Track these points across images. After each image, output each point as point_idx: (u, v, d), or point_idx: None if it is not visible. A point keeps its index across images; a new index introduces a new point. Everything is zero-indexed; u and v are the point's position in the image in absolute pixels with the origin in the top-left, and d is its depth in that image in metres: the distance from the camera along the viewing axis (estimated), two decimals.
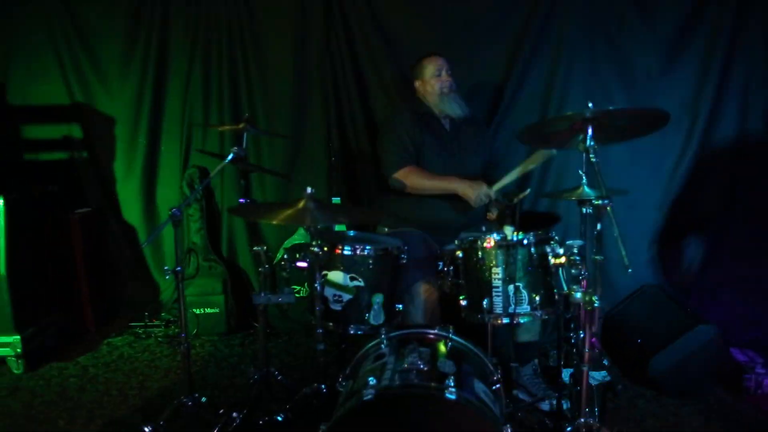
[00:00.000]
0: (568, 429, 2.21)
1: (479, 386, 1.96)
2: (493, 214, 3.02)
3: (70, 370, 3.31)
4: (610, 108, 2.03)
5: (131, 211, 3.96)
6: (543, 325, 2.87)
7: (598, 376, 3.06)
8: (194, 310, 3.72)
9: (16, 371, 3.21)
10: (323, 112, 3.74)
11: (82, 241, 3.70)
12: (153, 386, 3.12)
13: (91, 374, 3.26)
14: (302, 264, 2.42)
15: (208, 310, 3.73)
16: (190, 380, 2.34)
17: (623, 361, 3.26)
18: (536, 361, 2.89)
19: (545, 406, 2.70)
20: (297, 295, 3.57)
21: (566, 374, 2.63)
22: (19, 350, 3.16)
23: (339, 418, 1.82)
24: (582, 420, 2.15)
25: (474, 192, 2.75)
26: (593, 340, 2.82)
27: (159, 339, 3.70)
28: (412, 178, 2.87)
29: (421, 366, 1.91)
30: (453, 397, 1.76)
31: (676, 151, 3.56)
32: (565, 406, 2.53)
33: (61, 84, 3.78)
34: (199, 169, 3.83)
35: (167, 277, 2.72)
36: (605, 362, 3.13)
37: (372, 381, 1.86)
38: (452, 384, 1.80)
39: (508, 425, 1.84)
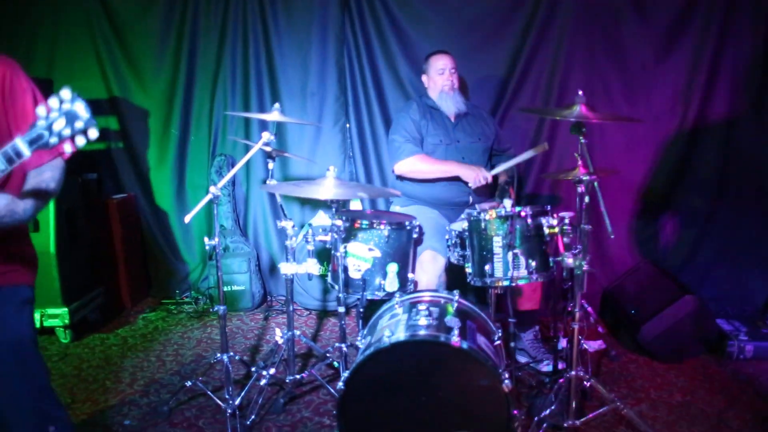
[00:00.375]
0: (560, 380, 2.49)
1: (481, 339, 2.24)
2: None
3: (111, 340, 3.63)
4: (592, 121, 2.26)
5: (163, 196, 4.27)
6: (543, 295, 3.14)
7: (594, 345, 3.35)
8: (222, 287, 4.03)
9: (63, 340, 3.53)
10: (341, 104, 4.02)
11: (120, 225, 4.01)
12: (187, 353, 3.44)
13: (131, 344, 3.58)
14: (325, 237, 2.71)
15: (235, 287, 4.03)
16: (225, 339, 2.64)
17: (618, 331, 3.53)
18: (537, 327, 3.16)
19: (543, 367, 2.98)
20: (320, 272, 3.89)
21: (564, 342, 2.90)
22: (66, 321, 3.46)
23: (358, 364, 2.11)
24: (573, 372, 2.43)
25: (472, 174, 3.02)
26: (589, 309, 3.12)
27: (189, 314, 4.02)
28: (417, 165, 3.16)
29: (431, 321, 2.20)
30: (457, 344, 2.05)
31: (670, 137, 3.82)
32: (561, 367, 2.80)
33: (99, 80, 4.09)
34: (226, 157, 4.13)
35: (207, 247, 3.01)
36: (600, 330, 3.43)
37: (387, 333, 2.16)
38: (457, 334, 2.09)
39: (506, 373, 2.12)
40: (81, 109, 1.37)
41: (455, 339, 2.06)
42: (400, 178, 3.28)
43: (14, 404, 1.80)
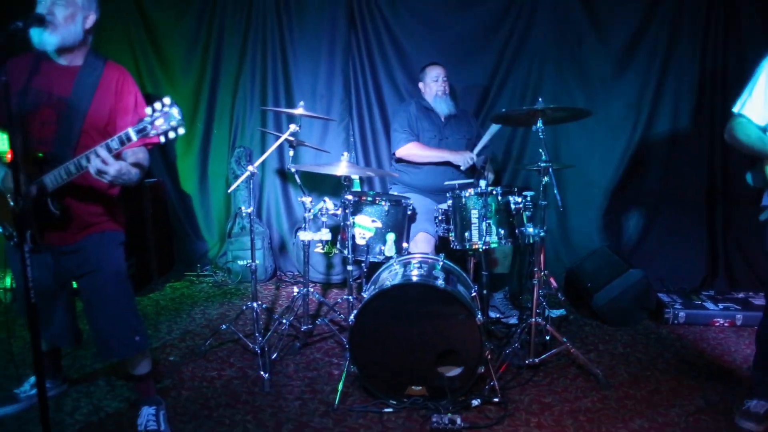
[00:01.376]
0: (523, 325, 3.14)
1: (461, 288, 2.88)
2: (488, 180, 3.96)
3: (145, 302, 4.23)
4: (551, 106, 2.92)
5: (188, 182, 4.88)
6: (512, 262, 3.79)
7: (556, 313, 4.01)
8: (239, 262, 4.65)
9: None
10: (345, 106, 4.65)
11: (151, 205, 4.60)
12: (212, 313, 4.04)
13: (162, 305, 4.18)
14: (337, 211, 3.35)
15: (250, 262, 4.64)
16: (255, 289, 3.27)
17: (578, 303, 4.19)
18: (506, 288, 3.82)
19: (511, 320, 3.63)
20: (324, 250, 4.51)
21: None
22: None
23: (365, 302, 2.75)
24: (532, 319, 3.08)
25: (461, 158, 3.70)
26: (551, 280, 3.79)
27: (210, 284, 4.63)
28: (413, 150, 3.81)
29: (422, 272, 2.85)
30: (441, 286, 2.69)
31: (625, 140, 4.50)
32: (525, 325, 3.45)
33: (135, 78, 4.67)
34: (244, 149, 4.75)
35: (244, 213, 3.67)
36: (562, 298, 4.09)
37: (388, 280, 2.80)
38: (442, 280, 2.73)
39: (479, 312, 2.77)
40: (175, 112, 2.01)
41: (440, 283, 2.71)
42: (399, 161, 3.93)
43: (114, 318, 2.42)
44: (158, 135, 2.03)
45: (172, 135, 2.03)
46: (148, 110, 2.01)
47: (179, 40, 4.67)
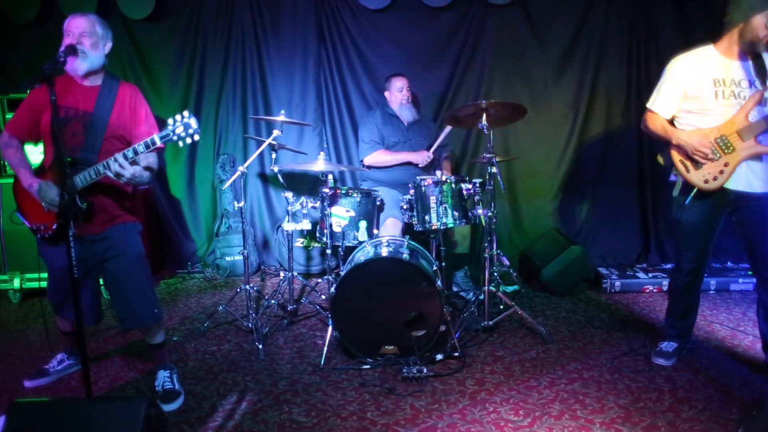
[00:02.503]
0: (478, 293, 3.70)
1: (423, 261, 3.42)
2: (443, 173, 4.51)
3: None
4: (492, 101, 3.50)
5: (177, 187, 5.34)
6: (470, 244, 4.36)
7: (510, 289, 4.57)
8: (227, 258, 5.13)
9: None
10: (318, 114, 5.19)
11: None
12: (207, 302, 4.51)
13: (160, 297, 4.63)
14: (316, 204, 3.87)
15: (236, 257, 5.13)
16: (247, 273, 3.76)
17: (529, 279, 4.77)
18: (466, 267, 4.38)
19: (470, 295, 4.18)
20: (303, 245, 5.03)
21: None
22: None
23: (344, 276, 3.26)
24: (485, 287, 3.64)
25: (420, 157, 4.26)
26: (504, 258, 4.35)
27: (200, 280, 5.10)
28: (379, 157, 4.36)
29: (390, 250, 3.38)
30: (407, 258, 3.23)
31: (565, 136, 5.12)
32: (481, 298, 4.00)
33: None
34: (228, 156, 5.23)
35: (231, 212, 4.12)
36: (514, 275, 4.66)
37: (362, 257, 3.33)
38: (407, 255, 3.27)
39: (439, 278, 3.31)
40: (193, 122, 2.52)
41: (406, 257, 3.25)
42: (368, 167, 4.46)
43: (138, 293, 2.90)
44: (179, 140, 2.52)
45: (189, 141, 2.53)
46: (170, 120, 2.51)
47: (166, 60, 5.13)
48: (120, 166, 2.56)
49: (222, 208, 5.24)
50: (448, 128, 4.13)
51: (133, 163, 2.62)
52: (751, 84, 2.83)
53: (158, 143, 2.53)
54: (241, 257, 5.12)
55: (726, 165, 2.82)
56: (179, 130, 2.49)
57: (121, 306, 2.90)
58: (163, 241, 5.38)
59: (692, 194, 2.92)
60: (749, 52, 2.83)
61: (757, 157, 2.84)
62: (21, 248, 4.48)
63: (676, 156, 2.97)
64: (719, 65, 2.88)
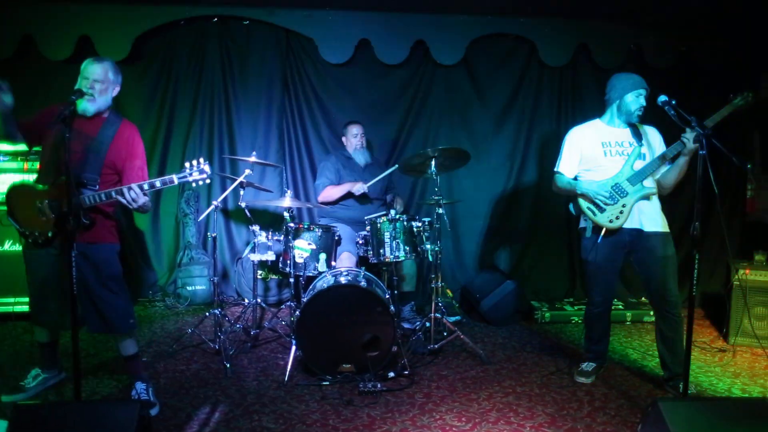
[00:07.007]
0: (425, 320, 4.14)
1: (377, 289, 3.85)
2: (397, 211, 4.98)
3: None
4: (439, 147, 4.03)
5: (141, 220, 5.59)
6: (416, 282, 4.83)
7: (452, 319, 5.03)
8: (188, 287, 5.41)
9: None
10: (280, 156, 5.61)
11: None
12: (170, 328, 4.76)
13: None
14: (279, 238, 4.26)
15: (198, 287, 5.40)
16: (217, 297, 4.08)
17: (470, 311, 5.26)
18: (413, 302, 4.84)
19: (417, 324, 4.62)
20: (261, 276, 5.37)
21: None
22: None
23: (307, 301, 3.65)
24: (432, 314, 4.09)
25: (355, 186, 4.68)
26: (447, 290, 4.82)
27: (162, 308, 5.34)
28: (328, 191, 4.78)
29: (348, 278, 3.80)
30: (364, 286, 3.65)
31: (503, 183, 5.72)
32: (427, 325, 4.43)
33: None
34: (193, 191, 5.56)
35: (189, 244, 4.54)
36: (456, 305, 5.13)
37: (323, 286, 3.74)
38: (364, 283, 3.70)
39: (392, 305, 3.74)
40: (206, 168, 2.92)
41: (363, 284, 3.68)
42: (324, 204, 4.90)
43: (116, 308, 3.20)
44: (193, 182, 2.91)
45: (201, 183, 2.94)
46: (187, 164, 2.91)
47: (138, 98, 5.45)
48: (136, 194, 2.93)
49: (185, 241, 5.53)
50: (391, 168, 4.64)
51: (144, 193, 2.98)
52: (631, 144, 3.54)
53: (176, 182, 2.90)
54: (201, 287, 5.45)
55: (624, 206, 3.46)
56: (195, 175, 2.89)
57: (100, 315, 3.15)
58: (124, 270, 5.57)
59: (602, 234, 3.50)
60: (626, 121, 3.57)
61: (647, 199, 3.49)
62: None
63: (583, 203, 3.58)
64: (605, 132, 3.62)
